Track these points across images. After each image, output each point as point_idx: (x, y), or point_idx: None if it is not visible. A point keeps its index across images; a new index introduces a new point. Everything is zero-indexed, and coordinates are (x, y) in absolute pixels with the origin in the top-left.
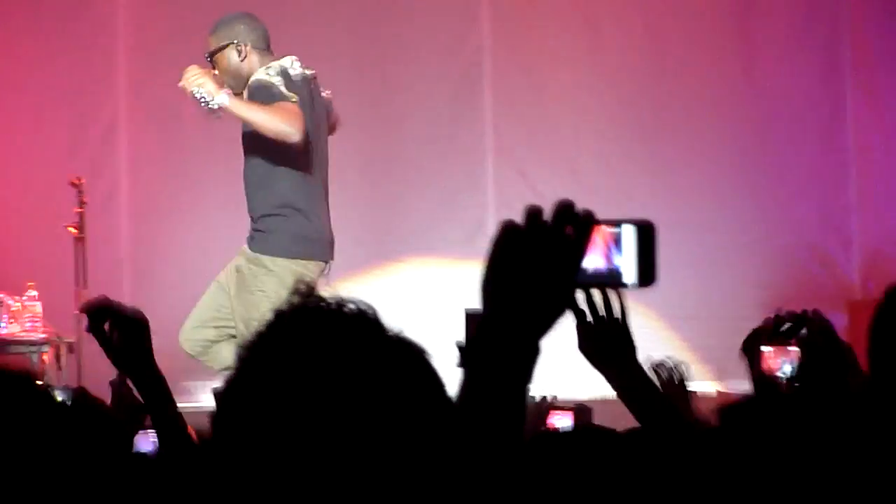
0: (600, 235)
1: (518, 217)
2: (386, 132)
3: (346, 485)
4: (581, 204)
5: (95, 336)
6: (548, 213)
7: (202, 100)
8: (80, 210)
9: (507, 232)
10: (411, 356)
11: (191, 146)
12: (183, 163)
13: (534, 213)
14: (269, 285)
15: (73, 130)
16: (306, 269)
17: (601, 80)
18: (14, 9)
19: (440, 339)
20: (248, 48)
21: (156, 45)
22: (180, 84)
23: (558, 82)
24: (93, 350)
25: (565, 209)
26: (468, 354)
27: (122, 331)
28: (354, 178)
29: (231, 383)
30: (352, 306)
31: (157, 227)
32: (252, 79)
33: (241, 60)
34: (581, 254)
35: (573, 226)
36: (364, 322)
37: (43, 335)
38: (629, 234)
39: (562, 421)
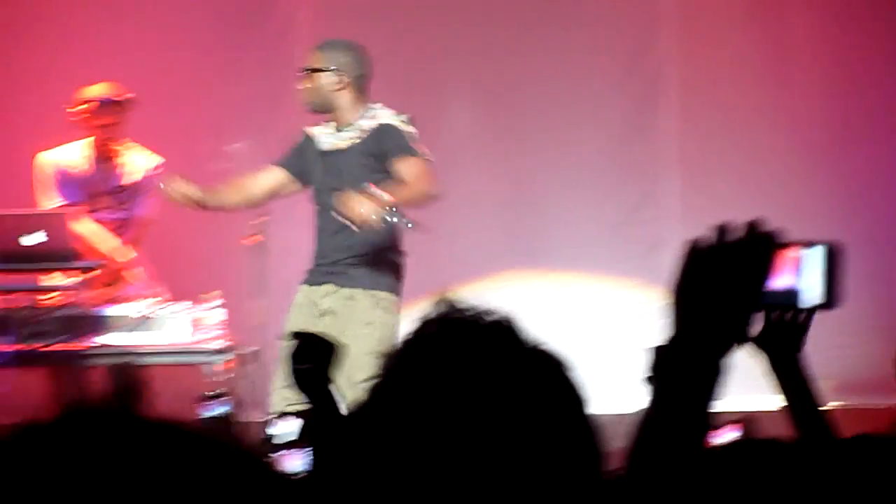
0: (787, 255)
1: (702, 232)
2: (565, 144)
3: (484, 493)
4: (764, 218)
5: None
6: (735, 231)
7: (392, 219)
8: (262, 220)
9: (696, 249)
10: (549, 367)
11: None
12: None
13: (722, 231)
14: (377, 317)
15: (256, 140)
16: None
17: (788, 93)
18: (198, 15)
19: (614, 348)
20: (349, 82)
21: None
22: (360, 215)
23: (744, 94)
24: (275, 358)
25: (755, 227)
26: (654, 371)
27: (316, 359)
28: (534, 189)
29: (374, 392)
30: (492, 316)
31: None
32: (387, 122)
33: (337, 91)
34: (768, 273)
35: (762, 244)
36: (503, 332)
37: (226, 343)
38: (816, 255)
39: (730, 436)
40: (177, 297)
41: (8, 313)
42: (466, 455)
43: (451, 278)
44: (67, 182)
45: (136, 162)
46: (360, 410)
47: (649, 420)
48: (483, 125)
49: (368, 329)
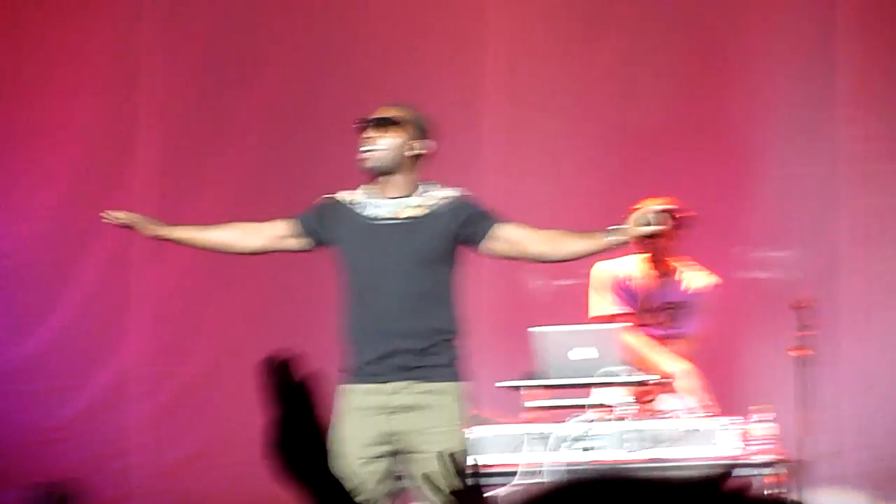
0: None
1: None
2: None
3: None
4: None
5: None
6: None
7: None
8: (809, 333)
9: None
10: None
11: None
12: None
13: None
14: (463, 412)
15: (802, 248)
16: None
17: None
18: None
19: None
20: (421, 154)
21: None
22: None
23: None
24: (820, 472)
25: None
26: None
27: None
28: None
29: None
30: None
31: (882, 353)
32: (461, 194)
33: (409, 155)
34: None
35: None
36: None
37: (773, 457)
38: None
39: None
40: (725, 409)
41: (558, 427)
42: None
43: None
44: (622, 293)
45: (691, 280)
46: None
47: None
48: None
49: (457, 426)
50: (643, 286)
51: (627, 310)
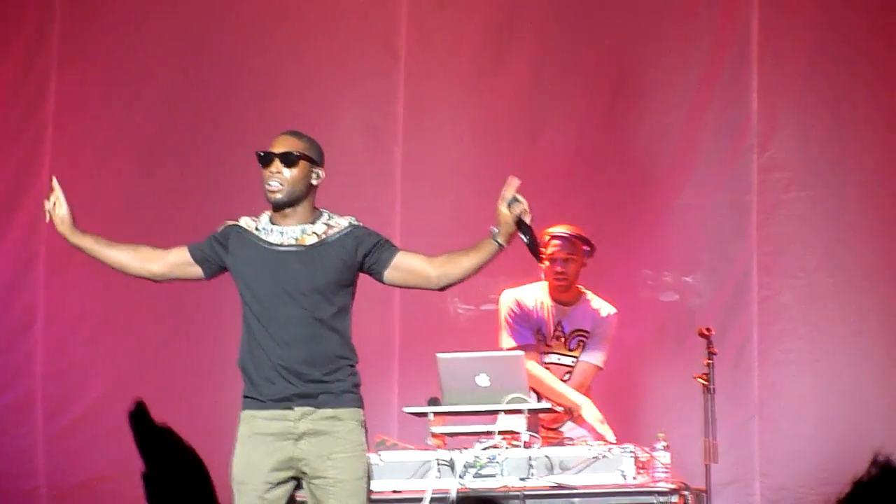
0: None
1: None
2: None
3: None
4: None
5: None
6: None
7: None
8: (709, 361)
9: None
10: None
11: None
12: (811, 311)
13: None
14: (363, 438)
15: (710, 273)
16: None
17: None
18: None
19: None
20: (318, 183)
21: None
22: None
23: None
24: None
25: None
26: None
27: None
28: None
29: None
30: None
31: (788, 381)
32: (356, 224)
33: (312, 186)
34: None
35: None
36: None
37: (671, 485)
38: None
39: None
40: (631, 436)
41: (458, 454)
42: None
43: None
44: (523, 321)
45: (590, 309)
46: None
47: None
48: None
49: (361, 451)
50: (543, 314)
51: (526, 341)
